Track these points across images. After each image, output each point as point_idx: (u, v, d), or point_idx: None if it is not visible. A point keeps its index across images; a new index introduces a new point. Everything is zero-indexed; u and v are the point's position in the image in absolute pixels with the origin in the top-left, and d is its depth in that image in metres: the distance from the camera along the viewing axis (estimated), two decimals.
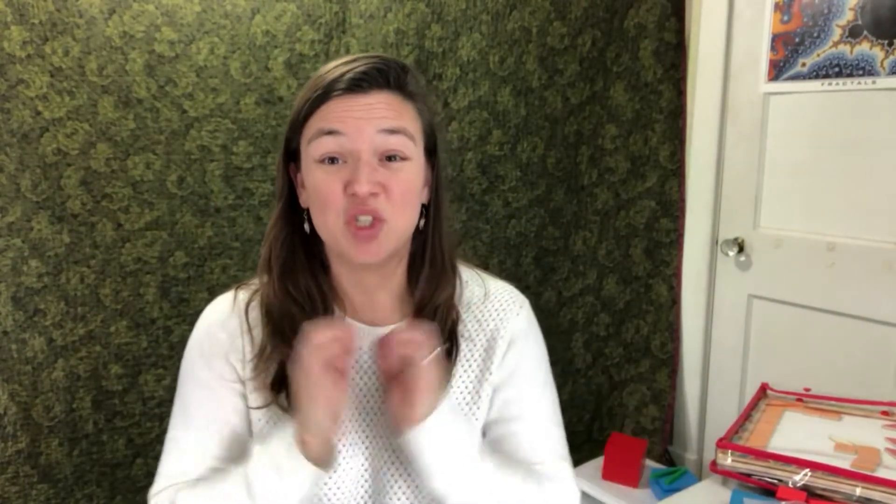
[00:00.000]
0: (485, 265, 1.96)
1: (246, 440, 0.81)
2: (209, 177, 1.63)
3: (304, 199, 0.78)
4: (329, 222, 0.74)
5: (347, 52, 1.70)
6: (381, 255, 0.75)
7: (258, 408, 0.79)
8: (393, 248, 0.77)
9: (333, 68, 0.75)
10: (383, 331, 0.81)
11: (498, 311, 0.87)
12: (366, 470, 0.81)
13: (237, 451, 0.80)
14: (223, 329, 0.81)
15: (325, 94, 0.73)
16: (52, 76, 1.44)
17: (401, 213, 0.75)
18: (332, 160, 0.73)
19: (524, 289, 2.21)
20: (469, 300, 0.87)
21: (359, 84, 0.73)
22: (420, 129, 0.78)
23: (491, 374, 0.84)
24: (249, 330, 0.80)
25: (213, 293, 0.83)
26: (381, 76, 0.74)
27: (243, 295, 0.83)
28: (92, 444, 1.58)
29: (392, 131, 0.74)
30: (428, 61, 1.79)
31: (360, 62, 0.74)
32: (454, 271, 0.84)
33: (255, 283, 0.84)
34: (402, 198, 0.74)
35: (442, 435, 0.74)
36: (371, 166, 0.72)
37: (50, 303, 1.51)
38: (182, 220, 1.62)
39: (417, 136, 0.77)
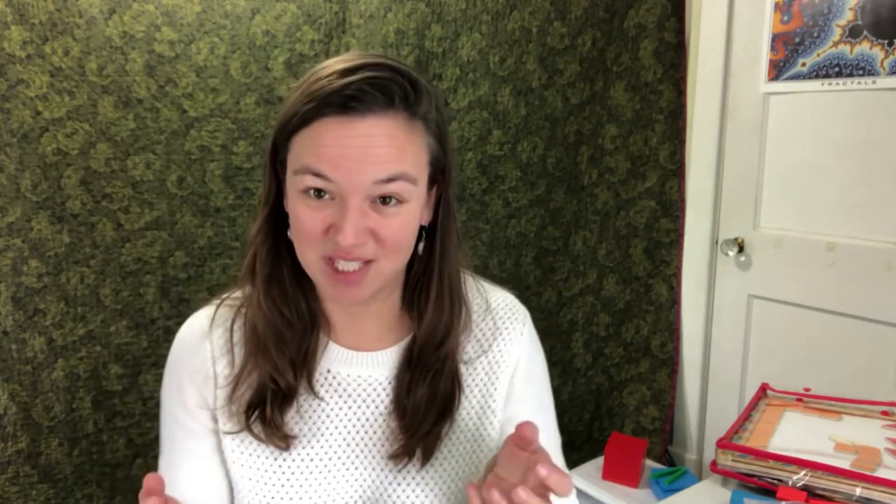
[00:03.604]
0: (484, 265, 1.96)
1: (225, 475, 0.77)
2: (209, 177, 1.63)
3: None
4: (307, 258, 0.68)
5: (347, 52, 1.70)
6: (365, 297, 0.68)
7: (233, 433, 0.74)
8: (379, 288, 0.70)
9: (330, 75, 0.64)
10: (369, 356, 0.76)
11: (501, 331, 0.80)
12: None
13: (222, 490, 0.77)
14: (195, 355, 0.75)
15: (317, 109, 0.63)
16: (52, 76, 1.44)
17: (392, 256, 0.67)
18: (319, 192, 0.64)
19: (524, 289, 2.18)
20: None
21: (355, 106, 0.62)
22: (426, 160, 0.68)
23: (495, 401, 0.79)
24: (231, 350, 0.74)
25: (213, 293, 0.81)
26: (385, 95, 0.63)
27: (226, 312, 0.77)
28: (92, 444, 1.58)
29: (390, 179, 0.63)
30: (428, 61, 1.79)
31: (361, 73, 0.62)
32: (461, 301, 0.76)
33: (238, 295, 0.77)
34: (393, 244, 0.66)
35: None
36: (360, 211, 0.64)
37: (50, 303, 1.50)
38: (182, 220, 1.62)
39: (421, 171, 0.67)
